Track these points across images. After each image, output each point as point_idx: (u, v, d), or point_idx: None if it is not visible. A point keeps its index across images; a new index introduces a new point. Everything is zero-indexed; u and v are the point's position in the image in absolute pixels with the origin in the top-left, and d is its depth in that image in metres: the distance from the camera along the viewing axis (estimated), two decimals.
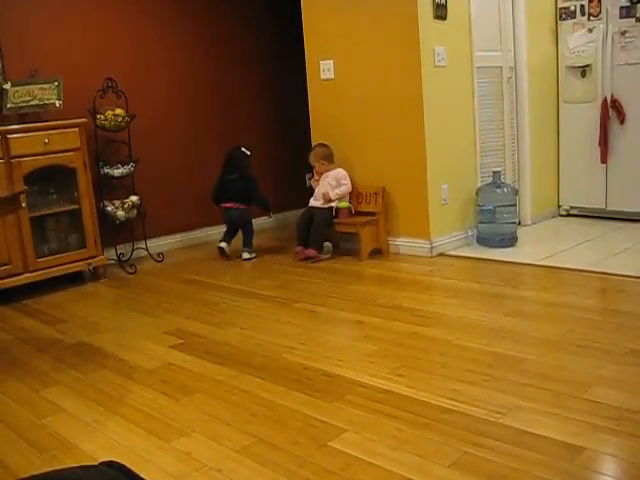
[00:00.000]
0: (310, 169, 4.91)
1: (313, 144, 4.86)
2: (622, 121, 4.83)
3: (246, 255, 4.80)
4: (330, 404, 2.38)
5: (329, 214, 4.61)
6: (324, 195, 4.60)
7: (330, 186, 4.63)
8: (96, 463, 0.97)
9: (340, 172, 4.66)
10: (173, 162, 5.34)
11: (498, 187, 4.52)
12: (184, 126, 5.41)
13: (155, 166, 5.17)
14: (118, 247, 4.79)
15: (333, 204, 4.62)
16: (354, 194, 4.66)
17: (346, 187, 4.62)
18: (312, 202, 4.73)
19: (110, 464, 0.95)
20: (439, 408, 2.27)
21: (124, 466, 0.95)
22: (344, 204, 4.61)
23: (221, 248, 4.83)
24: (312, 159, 4.72)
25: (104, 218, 4.64)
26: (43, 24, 4.56)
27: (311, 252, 4.55)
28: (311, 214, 4.65)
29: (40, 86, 4.30)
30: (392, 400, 2.37)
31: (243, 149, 4.89)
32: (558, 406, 2.21)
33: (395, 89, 4.40)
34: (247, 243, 4.84)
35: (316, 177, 4.75)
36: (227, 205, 4.83)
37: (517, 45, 4.92)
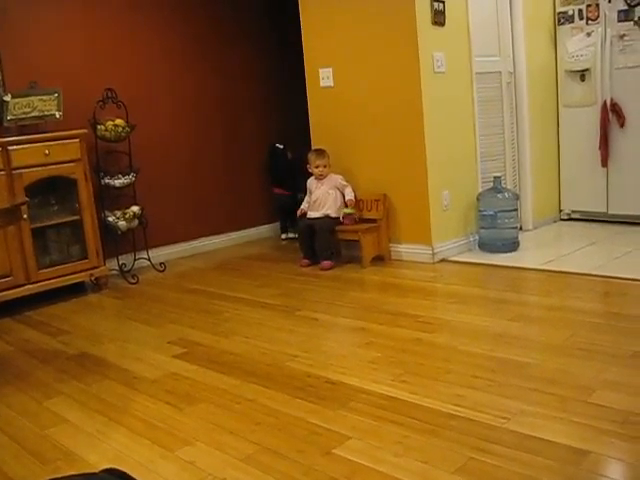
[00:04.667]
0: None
1: (310, 152, 4.80)
2: (622, 124, 4.83)
3: (292, 235, 5.64)
4: (334, 411, 2.37)
5: (330, 222, 4.60)
6: (349, 202, 4.59)
7: (334, 196, 4.63)
8: (97, 470, 0.97)
9: (337, 177, 4.68)
10: (174, 171, 5.34)
11: (499, 192, 4.52)
12: (185, 135, 5.41)
13: (156, 176, 5.17)
14: (120, 257, 4.79)
15: (334, 213, 4.62)
16: (356, 201, 4.65)
17: (350, 186, 4.66)
18: (310, 214, 4.71)
19: (111, 471, 0.95)
20: (444, 414, 2.27)
21: (125, 473, 0.94)
22: (350, 210, 4.60)
23: (285, 239, 5.73)
24: (321, 161, 4.65)
25: (105, 228, 4.65)
26: (42, 36, 4.57)
27: (326, 264, 4.54)
28: (310, 225, 4.64)
29: (40, 97, 4.32)
30: (396, 407, 2.36)
31: (278, 145, 5.79)
32: (563, 410, 2.20)
33: (394, 96, 4.40)
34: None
35: (319, 182, 4.71)
36: (279, 191, 5.75)
37: (516, 50, 4.93)
